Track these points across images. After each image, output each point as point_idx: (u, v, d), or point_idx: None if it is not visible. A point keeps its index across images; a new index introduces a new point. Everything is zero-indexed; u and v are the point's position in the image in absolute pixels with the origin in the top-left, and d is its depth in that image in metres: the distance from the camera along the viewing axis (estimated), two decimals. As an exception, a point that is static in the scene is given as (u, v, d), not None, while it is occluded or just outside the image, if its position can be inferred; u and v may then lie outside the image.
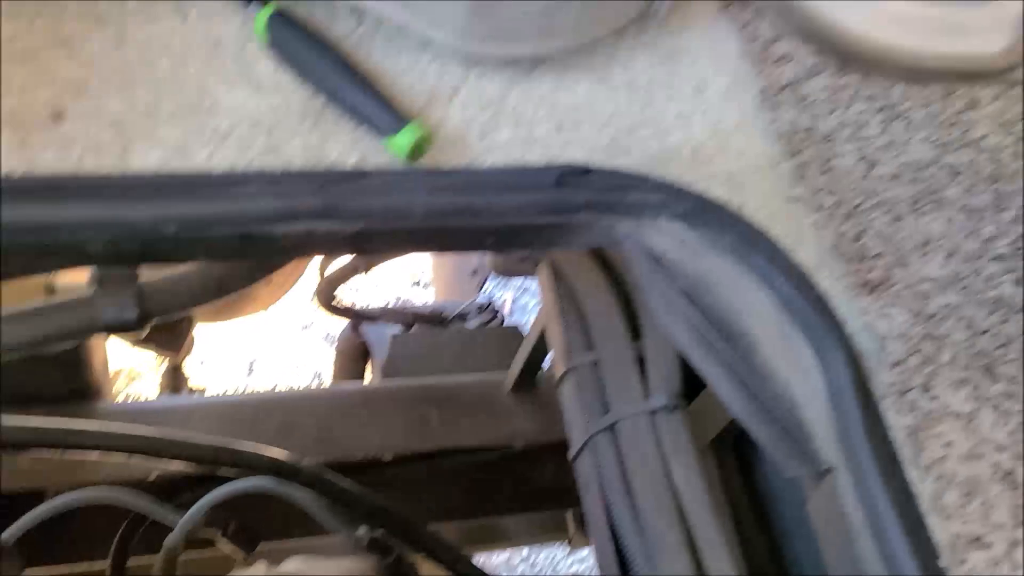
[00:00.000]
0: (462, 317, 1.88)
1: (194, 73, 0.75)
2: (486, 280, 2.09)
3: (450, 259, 2.43)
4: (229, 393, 1.48)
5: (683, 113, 0.85)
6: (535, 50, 0.78)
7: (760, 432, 0.78)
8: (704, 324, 0.79)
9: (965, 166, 0.87)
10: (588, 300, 1.07)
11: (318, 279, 1.80)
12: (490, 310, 1.90)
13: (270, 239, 0.71)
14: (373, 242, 0.77)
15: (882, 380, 0.74)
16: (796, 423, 0.77)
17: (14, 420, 0.82)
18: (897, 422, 0.73)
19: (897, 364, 0.75)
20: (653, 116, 0.84)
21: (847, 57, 0.34)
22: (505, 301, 2.08)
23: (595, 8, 0.77)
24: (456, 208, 0.76)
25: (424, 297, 3.51)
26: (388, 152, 0.74)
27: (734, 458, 1.15)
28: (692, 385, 1.08)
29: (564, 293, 1.10)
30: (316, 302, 1.81)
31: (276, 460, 0.99)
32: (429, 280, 3.33)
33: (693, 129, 0.85)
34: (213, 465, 0.96)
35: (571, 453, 1.05)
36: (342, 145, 0.75)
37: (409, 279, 3.67)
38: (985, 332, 0.78)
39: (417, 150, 0.73)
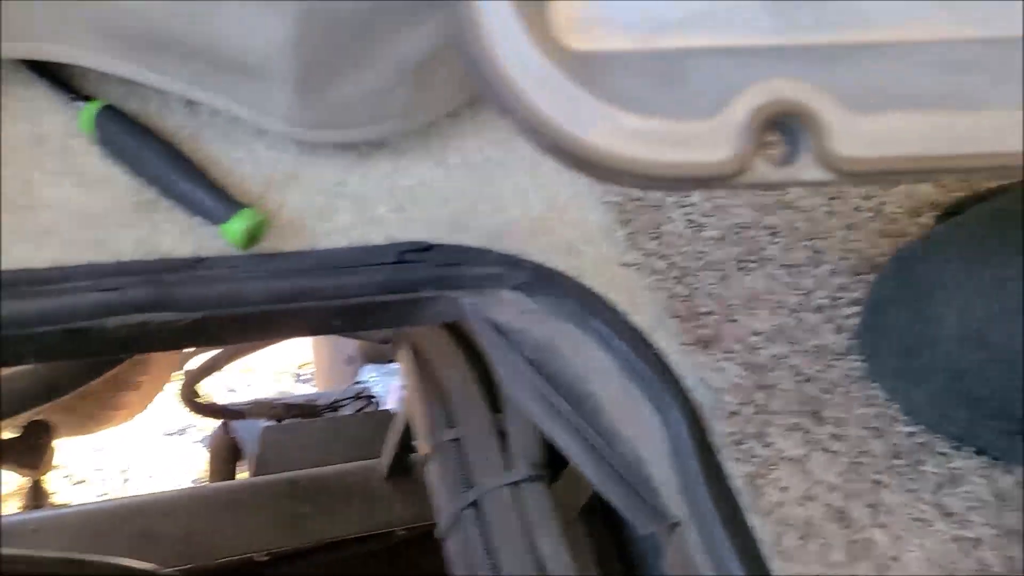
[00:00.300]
0: (336, 406, 1.86)
1: (17, 170, 0.74)
2: (363, 368, 2.08)
3: (326, 348, 2.40)
4: (87, 503, 1.41)
5: (520, 189, 0.89)
6: (368, 135, 0.80)
7: (611, 492, 0.79)
8: (549, 390, 0.81)
9: (783, 226, 0.93)
10: (447, 377, 1.08)
11: (182, 378, 1.75)
12: (364, 397, 1.88)
13: (101, 334, 0.70)
14: (214, 331, 0.76)
15: (720, 431, 0.78)
16: (643, 480, 0.79)
17: None
18: (736, 471, 0.76)
19: (732, 415, 0.79)
20: (491, 193, 0.88)
21: (588, 168, 0.38)
22: (389, 387, 2.07)
23: (425, 93, 0.80)
24: (297, 291, 0.76)
25: (306, 390, 3.44)
26: (223, 240, 0.74)
27: (605, 524, 1.16)
28: (560, 454, 1.10)
29: (424, 372, 1.11)
30: (180, 401, 1.75)
31: (129, 570, 0.95)
32: (311, 373, 3.27)
33: (531, 203, 0.88)
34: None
35: (438, 532, 1.04)
36: (176, 235, 0.74)
37: (291, 373, 3.60)
38: (811, 379, 0.83)
39: (252, 236, 0.74)
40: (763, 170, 0.40)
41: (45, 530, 1.22)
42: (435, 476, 1.05)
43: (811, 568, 0.72)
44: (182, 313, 0.71)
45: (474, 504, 0.99)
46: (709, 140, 0.39)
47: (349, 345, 2.15)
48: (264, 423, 1.74)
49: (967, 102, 0.40)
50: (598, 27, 0.42)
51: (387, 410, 1.80)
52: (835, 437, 0.79)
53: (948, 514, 0.76)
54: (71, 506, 1.42)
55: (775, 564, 0.72)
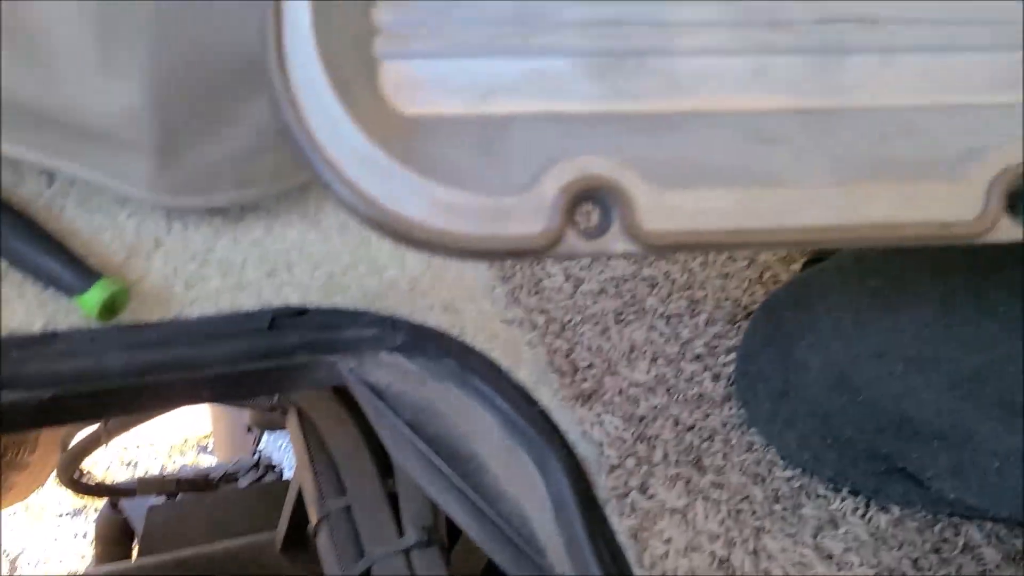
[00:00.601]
0: (232, 477, 1.79)
1: None
2: (262, 436, 2.01)
3: (225, 418, 2.32)
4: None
5: (397, 249, 0.88)
6: (234, 199, 0.78)
7: (498, 554, 0.78)
8: (431, 453, 0.79)
9: (661, 278, 0.95)
10: (335, 443, 1.06)
11: (59, 455, 1.67)
12: (264, 467, 1.81)
13: (-58, 417, 0.65)
14: (70, 409, 0.72)
15: (604, 485, 0.77)
16: (529, 540, 0.77)
17: None
18: (620, 525, 0.75)
19: (615, 468, 0.78)
20: (367, 254, 0.86)
21: (407, 241, 0.38)
22: (289, 456, 2.01)
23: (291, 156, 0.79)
24: (160, 363, 0.73)
25: (211, 461, 3.31)
26: (80, 312, 0.71)
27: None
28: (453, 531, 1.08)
29: (312, 439, 1.08)
30: (59, 480, 1.66)
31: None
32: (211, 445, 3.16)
33: (408, 264, 0.87)
34: None
35: (331, 606, 1.00)
36: (26, 310, 0.71)
37: (194, 444, 3.47)
38: (691, 428, 0.83)
39: (111, 307, 0.71)
40: (574, 243, 0.40)
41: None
42: (325, 545, 1.01)
43: (696, 621, 0.72)
44: (33, 391, 0.68)
45: (366, 573, 0.96)
46: (521, 215, 0.40)
47: (246, 413, 2.08)
48: (153, 501, 1.67)
49: (769, 176, 0.41)
50: (429, 90, 0.42)
51: (285, 480, 1.74)
52: (716, 485, 0.80)
53: (828, 557, 0.77)
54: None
55: (663, 618, 0.71)
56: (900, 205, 0.43)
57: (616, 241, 0.40)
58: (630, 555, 0.74)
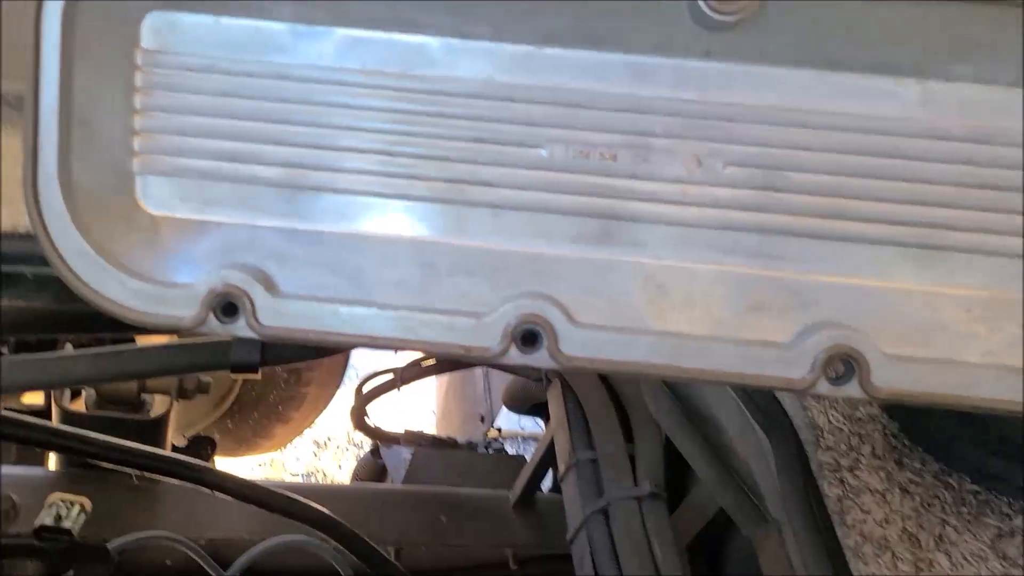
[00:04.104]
0: (473, 446, 2.09)
1: None
2: (491, 426, 2.31)
3: (459, 404, 2.65)
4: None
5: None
6: None
7: (724, 495, 1.00)
8: (682, 411, 1.03)
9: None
10: (590, 408, 1.31)
11: (355, 397, 2.02)
12: (496, 444, 2.11)
13: None
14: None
15: (818, 460, 0.98)
16: (752, 488, 0.99)
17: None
18: (829, 491, 0.95)
19: (830, 448, 0.99)
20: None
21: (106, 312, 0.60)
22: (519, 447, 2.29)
23: None
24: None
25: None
26: None
27: (705, 562, 1.34)
28: (674, 500, 1.30)
29: (571, 402, 1.34)
30: (350, 417, 2.02)
31: (323, 513, 1.20)
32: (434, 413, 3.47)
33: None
34: (278, 511, 1.17)
35: (568, 535, 1.25)
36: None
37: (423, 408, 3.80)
38: (896, 436, 1.02)
39: None
40: (214, 324, 0.59)
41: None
42: (571, 487, 1.27)
43: (883, 572, 0.90)
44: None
45: (602, 512, 1.20)
46: (179, 302, 0.59)
47: (482, 405, 2.40)
48: (407, 452, 1.99)
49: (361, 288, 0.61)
50: (166, 200, 0.61)
51: (519, 455, 2.02)
52: (912, 482, 0.98)
53: (1003, 556, 0.93)
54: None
55: (855, 565, 0.91)
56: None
57: (243, 330, 0.59)
58: (834, 515, 0.94)
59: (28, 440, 0.97)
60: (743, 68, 0.60)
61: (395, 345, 0.62)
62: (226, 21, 0.61)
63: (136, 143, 0.62)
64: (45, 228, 0.60)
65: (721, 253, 0.61)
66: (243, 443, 2.84)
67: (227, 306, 0.60)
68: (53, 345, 1.46)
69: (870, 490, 0.96)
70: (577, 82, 0.60)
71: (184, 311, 0.60)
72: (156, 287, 0.60)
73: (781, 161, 0.60)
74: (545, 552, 1.61)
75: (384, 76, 0.61)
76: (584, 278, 0.61)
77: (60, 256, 0.60)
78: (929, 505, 0.96)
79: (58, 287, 0.68)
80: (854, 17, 0.59)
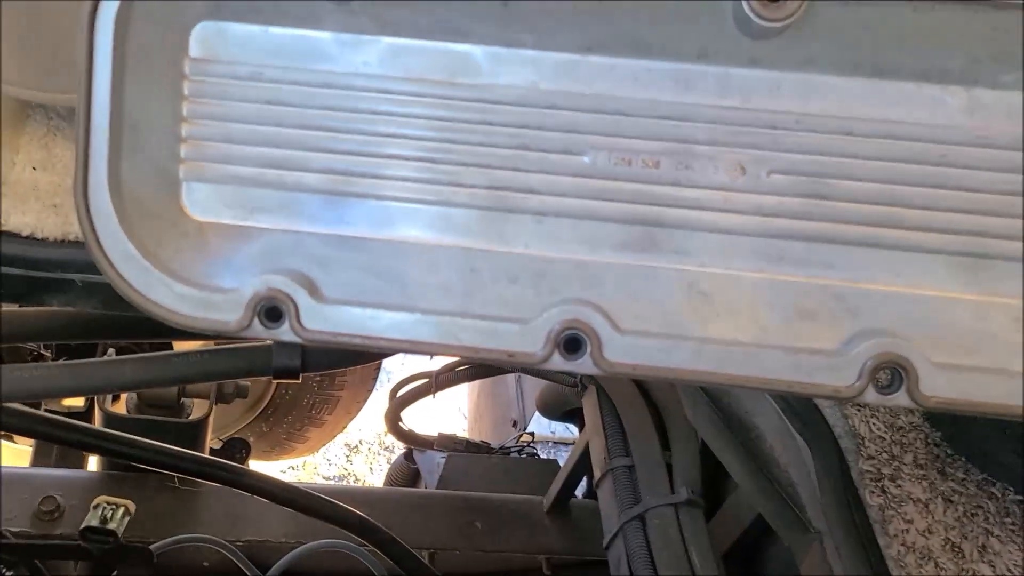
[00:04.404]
0: (506, 451, 2.10)
1: None
2: (524, 431, 2.32)
3: (491, 409, 2.66)
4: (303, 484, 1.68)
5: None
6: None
7: (764, 504, 0.99)
8: (722, 420, 1.03)
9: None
10: (626, 414, 1.31)
11: (389, 402, 2.03)
12: (529, 449, 2.11)
13: None
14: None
15: (859, 469, 0.97)
16: (793, 498, 0.99)
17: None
18: (871, 500, 0.95)
19: (871, 457, 0.98)
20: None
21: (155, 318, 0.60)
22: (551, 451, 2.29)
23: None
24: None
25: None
26: None
27: (742, 570, 1.34)
28: (710, 507, 1.30)
29: (607, 408, 1.34)
30: (385, 421, 2.03)
31: (362, 518, 1.21)
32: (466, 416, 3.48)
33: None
34: (316, 515, 1.18)
35: (604, 541, 1.25)
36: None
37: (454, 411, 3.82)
38: (939, 445, 1.01)
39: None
40: (258, 328, 0.60)
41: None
42: (607, 493, 1.26)
43: (926, 584, 0.90)
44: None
45: (639, 518, 1.20)
46: (224, 306, 0.60)
47: (514, 410, 2.40)
48: (440, 456, 2.00)
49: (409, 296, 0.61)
50: (213, 206, 0.62)
51: (552, 459, 2.02)
52: (955, 491, 0.97)
53: (1049, 568, 0.92)
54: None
55: (895, 573, 0.90)
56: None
57: (286, 334, 0.60)
58: (876, 525, 0.93)
59: (75, 443, 0.99)
60: (788, 76, 0.60)
61: (437, 350, 0.62)
62: (274, 30, 0.62)
63: (183, 150, 0.63)
64: (95, 233, 0.61)
65: (767, 261, 0.61)
66: (276, 446, 2.87)
67: (271, 310, 0.60)
68: (93, 351, 1.48)
69: (912, 499, 0.95)
70: (620, 90, 0.61)
71: (229, 315, 0.60)
72: (202, 291, 0.61)
73: (827, 169, 0.60)
74: (579, 558, 1.61)
75: (428, 84, 0.61)
76: (628, 285, 0.61)
77: (109, 260, 0.61)
78: (972, 515, 0.95)
79: (106, 293, 0.70)
80: (902, 23, 0.58)
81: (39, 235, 0.87)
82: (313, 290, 0.61)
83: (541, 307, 0.60)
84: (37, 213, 0.88)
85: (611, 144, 0.61)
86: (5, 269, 0.87)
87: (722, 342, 0.60)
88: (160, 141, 0.62)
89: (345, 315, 0.61)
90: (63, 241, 0.88)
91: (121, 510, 1.01)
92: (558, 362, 0.60)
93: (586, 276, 0.62)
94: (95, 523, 0.99)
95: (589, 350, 0.59)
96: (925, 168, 0.60)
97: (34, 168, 0.91)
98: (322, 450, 3.36)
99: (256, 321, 0.60)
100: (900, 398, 0.59)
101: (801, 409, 1.00)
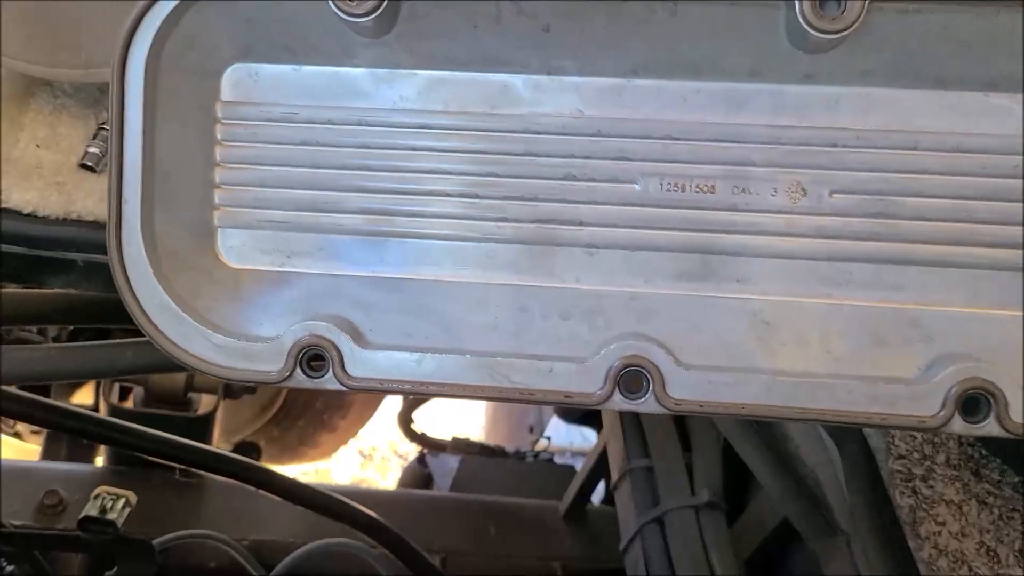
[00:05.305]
0: (521, 455, 2.06)
1: None
2: (540, 436, 2.28)
3: (507, 414, 2.62)
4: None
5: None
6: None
7: (790, 506, 0.95)
8: (744, 420, 0.98)
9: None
10: (647, 418, 1.27)
11: (402, 402, 2.00)
12: (544, 455, 2.07)
13: None
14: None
15: (889, 468, 0.92)
16: (820, 499, 0.94)
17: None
18: (901, 501, 0.90)
19: (902, 457, 0.93)
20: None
21: (191, 369, 0.59)
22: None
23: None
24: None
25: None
26: None
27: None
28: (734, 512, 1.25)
29: (627, 412, 1.30)
30: (397, 424, 2.00)
31: (372, 517, 1.17)
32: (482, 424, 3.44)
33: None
34: (324, 512, 1.15)
35: (622, 545, 1.21)
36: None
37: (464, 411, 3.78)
38: (973, 445, 0.96)
39: None
40: (300, 378, 0.57)
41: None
42: (624, 495, 1.22)
43: (959, 589, 0.85)
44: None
45: (657, 521, 1.16)
46: (265, 356, 0.57)
47: (531, 416, 2.36)
48: (453, 460, 1.97)
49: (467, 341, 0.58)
50: (248, 252, 0.61)
51: (568, 465, 1.98)
52: (990, 493, 0.92)
53: (1090, 575, 0.87)
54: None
55: (926, 578, 0.85)
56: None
57: (330, 382, 0.57)
58: (906, 527, 0.89)
59: (73, 430, 0.96)
60: (846, 90, 0.57)
61: (489, 394, 0.58)
62: (307, 69, 0.61)
63: (217, 196, 0.62)
64: (128, 283, 0.59)
65: (833, 286, 0.58)
66: (288, 451, 2.84)
67: (314, 357, 0.58)
68: (105, 337, 1.46)
69: (945, 501, 0.91)
70: (669, 113, 0.58)
71: (271, 366, 0.58)
72: (241, 341, 0.59)
73: (892, 186, 0.57)
74: (596, 566, 1.57)
75: (468, 116, 0.60)
76: (687, 317, 0.58)
77: (144, 312, 0.59)
78: (1009, 518, 0.90)
79: (108, 275, 0.67)
80: (965, 30, 0.55)
81: (41, 213, 0.85)
82: (357, 336, 0.58)
83: (597, 344, 0.57)
84: (40, 191, 0.86)
85: (662, 170, 0.59)
86: (5, 247, 0.85)
87: (792, 374, 0.57)
88: (194, 188, 0.61)
89: (390, 361, 0.58)
90: (65, 220, 0.86)
91: (122, 501, 0.98)
92: (618, 402, 0.56)
93: (642, 309, 0.59)
94: (94, 513, 0.97)
95: (652, 388, 0.55)
96: (997, 181, 0.57)
97: (38, 146, 0.89)
98: (335, 457, 3.33)
99: (299, 370, 0.57)
100: (990, 427, 0.55)
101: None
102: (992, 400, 0.54)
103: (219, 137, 0.61)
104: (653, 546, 1.14)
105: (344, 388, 0.57)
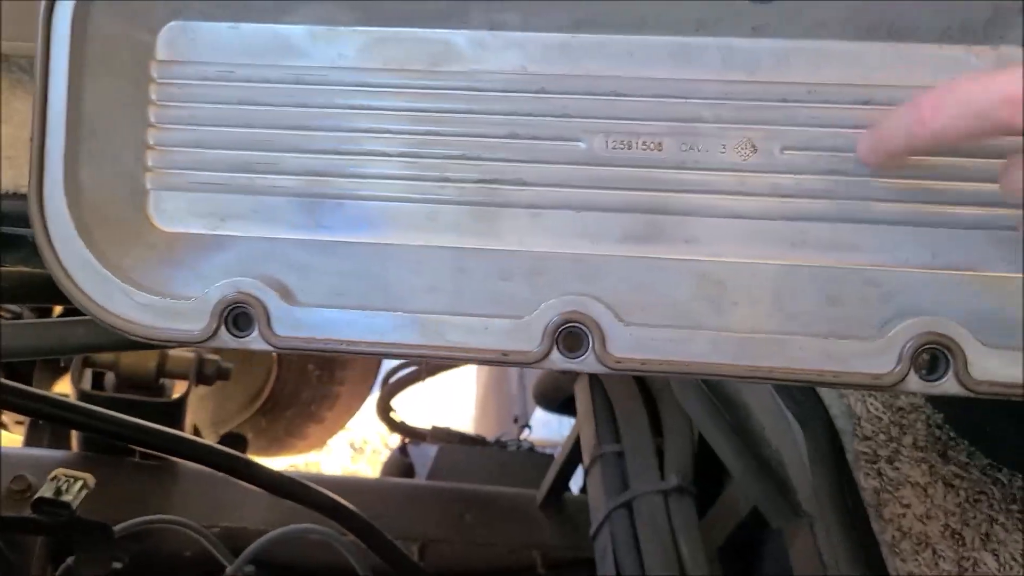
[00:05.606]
0: (502, 444, 2.05)
1: None
2: (525, 426, 2.26)
3: (495, 405, 2.61)
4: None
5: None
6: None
7: (753, 487, 0.94)
8: (711, 396, 0.97)
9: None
10: (617, 399, 1.26)
11: (380, 389, 1.99)
12: (526, 445, 2.06)
13: None
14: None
15: (854, 450, 0.91)
16: (783, 480, 0.93)
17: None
18: (865, 483, 0.89)
19: (867, 439, 0.92)
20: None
21: (111, 328, 0.56)
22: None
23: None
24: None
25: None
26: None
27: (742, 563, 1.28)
28: (703, 505, 1.24)
29: (598, 394, 1.28)
30: (376, 413, 1.99)
31: (336, 502, 1.16)
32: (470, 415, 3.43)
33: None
34: (285, 495, 1.13)
35: (592, 530, 1.19)
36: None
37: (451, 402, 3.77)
38: (941, 427, 0.95)
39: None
40: (225, 337, 0.55)
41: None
42: (595, 480, 1.21)
43: (922, 570, 0.83)
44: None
45: (626, 506, 1.14)
46: (190, 315, 0.55)
47: (516, 406, 2.35)
48: (437, 447, 1.96)
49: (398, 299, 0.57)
50: (181, 215, 0.59)
51: (548, 453, 1.97)
52: (957, 476, 0.91)
53: (1058, 558, 0.85)
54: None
55: (892, 562, 0.84)
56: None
57: (256, 342, 0.55)
58: (870, 509, 0.87)
59: (59, 419, 0.95)
60: (796, 43, 0.56)
61: (424, 352, 0.57)
62: (245, 27, 0.60)
63: (150, 158, 0.60)
64: (48, 236, 0.57)
65: (788, 246, 0.56)
66: (276, 442, 2.82)
67: (240, 316, 0.56)
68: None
69: (910, 483, 0.89)
70: (614, 69, 0.57)
71: (194, 324, 0.56)
72: (165, 299, 0.57)
73: (846, 142, 0.56)
74: (575, 555, 1.55)
75: (408, 74, 0.59)
76: (634, 279, 0.57)
77: (62, 266, 0.57)
78: (975, 501, 0.88)
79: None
80: None
81: (-9, 187, 0.84)
82: (286, 294, 0.57)
83: (537, 302, 0.55)
84: (-10, 164, 0.85)
85: (607, 127, 0.57)
86: (-44, 222, 0.83)
87: (741, 330, 0.55)
88: (125, 147, 0.60)
89: (321, 319, 0.56)
90: (15, 194, 0.85)
91: (79, 484, 0.96)
92: (558, 360, 0.54)
93: (587, 271, 0.57)
94: (48, 495, 0.95)
95: (591, 345, 0.53)
96: None
97: (-9, 119, 0.88)
98: (325, 449, 3.32)
99: (223, 329, 0.56)
100: (948, 384, 0.53)
101: (795, 389, 0.94)
102: (950, 356, 0.52)
103: (153, 97, 0.60)
104: (621, 531, 1.12)
105: (270, 348, 0.55)
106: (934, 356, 0.53)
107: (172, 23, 0.59)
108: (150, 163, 0.60)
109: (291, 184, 0.59)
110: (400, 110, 0.58)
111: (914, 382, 0.53)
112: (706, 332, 0.54)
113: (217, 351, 1.55)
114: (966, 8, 0.54)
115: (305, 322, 0.56)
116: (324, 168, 0.59)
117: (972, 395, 0.52)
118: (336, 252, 0.58)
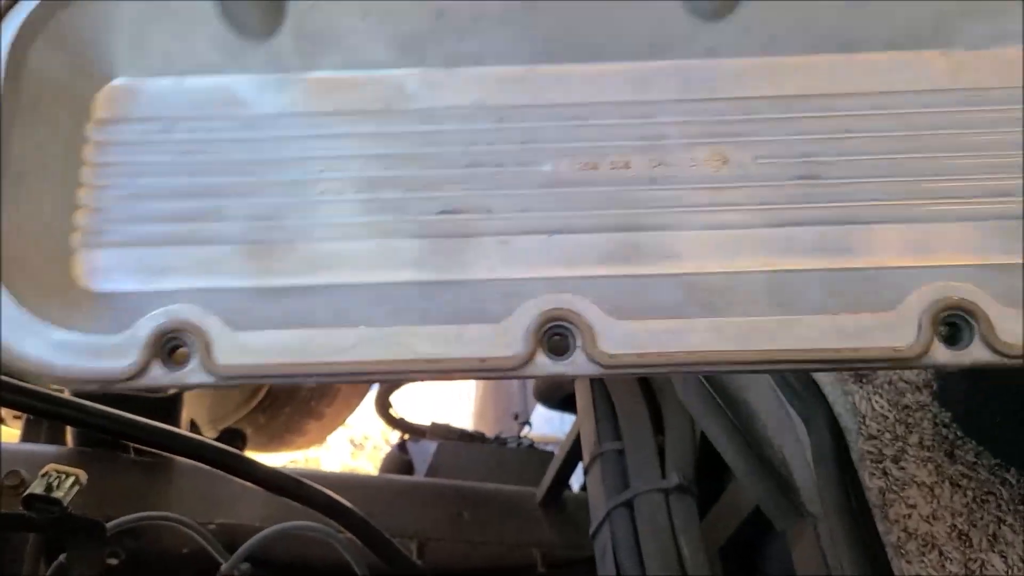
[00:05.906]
0: (502, 441, 2.03)
1: None
2: (526, 423, 2.25)
3: (495, 402, 2.59)
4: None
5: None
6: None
7: (756, 487, 0.92)
8: (713, 394, 0.95)
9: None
10: (618, 396, 1.24)
11: (379, 386, 1.98)
12: (526, 442, 2.05)
13: None
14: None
15: (859, 449, 0.89)
16: (786, 479, 0.91)
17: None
18: (870, 483, 0.87)
19: (873, 437, 0.90)
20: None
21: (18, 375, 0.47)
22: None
23: None
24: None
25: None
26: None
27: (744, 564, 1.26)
28: (705, 505, 1.22)
29: (599, 391, 1.27)
30: (375, 410, 1.97)
31: (331, 498, 1.14)
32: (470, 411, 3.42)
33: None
34: (284, 493, 1.11)
35: (591, 529, 1.17)
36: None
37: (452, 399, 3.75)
38: (948, 426, 0.93)
39: None
40: (157, 373, 0.48)
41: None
42: (595, 479, 1.19)
43: (928, 571, 0.82)
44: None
45: (627, 504, 1.12)
46: (116, 350, 0.47)
47: (516, 403, 2.33)
48: (433, 446, 1.94)
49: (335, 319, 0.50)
50: (110, 274, 0.54)
51: (548, 451, 1.96)
52: (964, 476, 0.89)
53: (1066, 560, 0.84)
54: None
55: (897, 564, 0.82)
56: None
57: (195, 374, 0.47)
58: (876, 509, 0.85)
59: (53, 414, 0.93)
60: (751, 61, 0.56)
61: (392, 369, 0.50)
62: (189, 81, 0.57)
63: (79, 217, 0.55)
64: None
65: (776, 253, 0.54)
66: (275, 439, 2.81)
67: (176, 348, 0.48)
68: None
69: (916, 483, 0.87)
70: (575, 96, 0.56)
71: (120, 360, 0.48)
72: (87, 336, 0.49)
73: (817, 148, 0.55)
74: (575, 554, 1.54)
75: (362, 116, 0.57)
76: (616, 298, 0.51)
77: None
78: (983, 501, 0.87)
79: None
80: None
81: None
82: (229, 320, 0.49)
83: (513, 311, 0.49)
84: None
85: (573, 149, 0.55)
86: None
87: (743, 317, 0.50)
88: (52, 201, 0.54)
89: (270, 340, 0.49)
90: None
91: (70, 480, 0.95)
92: (543, 364, 0.48)
93: (565, 290, 0.52)
94: (39, 491, 0.93)
95: (580, 343, 0.48)
96: (920, 135, 0.55)
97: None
98: (326, 446, 3.31)
99: (157, 363, 0.48)
100: (977, 351, 0.48)
101: (798, 384, 0.93)
102: (972, 320, 0.48)
103: (87, 158, 0.56)
104: (621, 530, 1.11)
105: (212, 380, 0.48)
106: (954, 325, 0.48)
107: (114, 81, 0.56)
108: (80, 222, 0.55)
109: (237, 230, 0.55)
110: (354, 151, 0.56)
111: (940, 352, 0.48)
112: (705, 320, 0.50)
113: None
114: (908, 17, 0.54)
115: (252, 346, 0.48)
116: (273, 212, 0.55)
117: (1006, 361, 0.48)
118: (287, 297, 0.53)
